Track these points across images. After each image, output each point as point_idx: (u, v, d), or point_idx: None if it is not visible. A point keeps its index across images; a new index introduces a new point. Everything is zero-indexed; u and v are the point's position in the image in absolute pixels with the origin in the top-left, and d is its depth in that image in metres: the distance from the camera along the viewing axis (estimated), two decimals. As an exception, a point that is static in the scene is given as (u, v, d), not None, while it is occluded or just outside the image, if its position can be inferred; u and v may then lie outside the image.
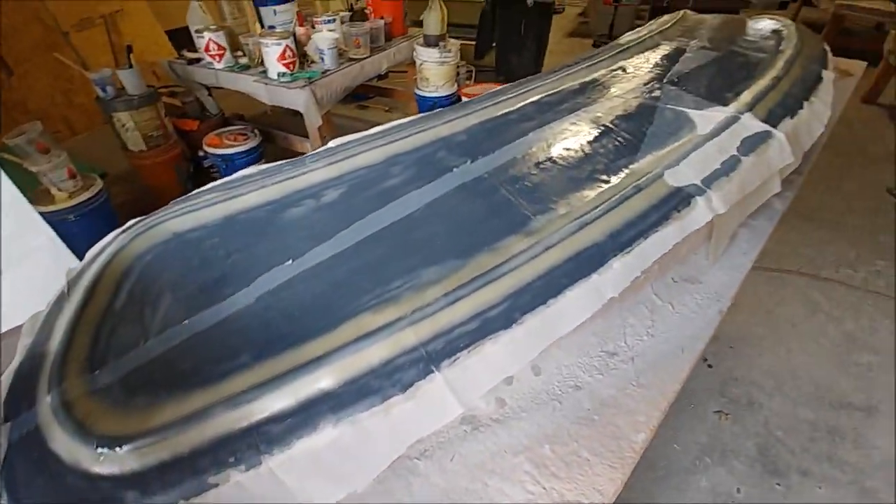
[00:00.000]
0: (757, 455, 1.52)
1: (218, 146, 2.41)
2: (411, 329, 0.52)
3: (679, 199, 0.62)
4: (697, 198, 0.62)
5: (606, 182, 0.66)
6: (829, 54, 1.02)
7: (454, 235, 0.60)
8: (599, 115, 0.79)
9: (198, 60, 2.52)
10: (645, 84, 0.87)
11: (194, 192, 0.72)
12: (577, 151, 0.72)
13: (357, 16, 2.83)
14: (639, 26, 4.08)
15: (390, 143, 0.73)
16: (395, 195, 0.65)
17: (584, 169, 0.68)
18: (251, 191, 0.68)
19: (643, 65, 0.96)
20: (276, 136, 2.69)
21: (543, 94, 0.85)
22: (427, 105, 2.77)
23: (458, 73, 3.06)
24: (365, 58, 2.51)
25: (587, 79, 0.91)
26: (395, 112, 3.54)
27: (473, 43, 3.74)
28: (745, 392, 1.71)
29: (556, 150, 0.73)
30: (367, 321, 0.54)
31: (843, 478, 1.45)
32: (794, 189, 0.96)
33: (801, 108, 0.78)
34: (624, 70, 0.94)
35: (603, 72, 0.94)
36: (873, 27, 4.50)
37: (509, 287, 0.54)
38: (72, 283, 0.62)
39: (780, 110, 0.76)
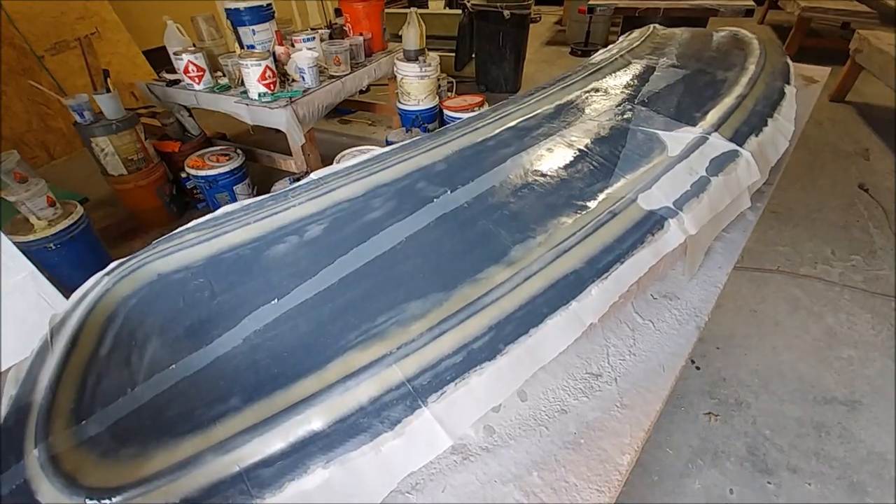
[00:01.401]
0: (747, 455, 1.55)
1: (200, 167, 2.40)
2: (397, 365, 0.53)
3: (652, 223, 0.64)
4: (670, 220, 0.65)
5: (583, 208, 0.68)
6: (792, 68, 1.06)
7: (437, 268, 0.61)
8: (574, 139, 0.82)
9: (177, 82, 2.51)
10: (617, 106, 0.90)
11: (177, 230, 0.72)
12: (553, 177, 0.74)
13: (336, 33, 2.85)
14: (613, 34, 4.18)
15: (370, 174, 0.74)
16: (378, 228, 0.66)
17: (561, 195, 0.70)
18: (234, 228, 0.69)
19: (615, 85, 0.99)
20: (259, 154, 2.68)
21: (520, 119, 0.87)
22: (409, 118, 2.80)
23: (438, 86, 3.10)
24: (345, 75, 2.53)
25: (562, 101, 0.93)
26: (379, 125, 3.56)
27: (453, 54, 3.78)
28: (733, 392, 1.75)
29: (534, 177, 0.75)
30: (354, 359, 0.54)
31: (832, 473, 1.48)
32: (765, 199, 1.00)
33: (766, 125, 0.82)
34: (597, 91, 0.97)
35: (577, 93, 0.96)
36: (840, 27, 4.67)
37: (492, 318, 0.56)
38: (55, 331, 0.62)
39: (745, 129, 0.80)
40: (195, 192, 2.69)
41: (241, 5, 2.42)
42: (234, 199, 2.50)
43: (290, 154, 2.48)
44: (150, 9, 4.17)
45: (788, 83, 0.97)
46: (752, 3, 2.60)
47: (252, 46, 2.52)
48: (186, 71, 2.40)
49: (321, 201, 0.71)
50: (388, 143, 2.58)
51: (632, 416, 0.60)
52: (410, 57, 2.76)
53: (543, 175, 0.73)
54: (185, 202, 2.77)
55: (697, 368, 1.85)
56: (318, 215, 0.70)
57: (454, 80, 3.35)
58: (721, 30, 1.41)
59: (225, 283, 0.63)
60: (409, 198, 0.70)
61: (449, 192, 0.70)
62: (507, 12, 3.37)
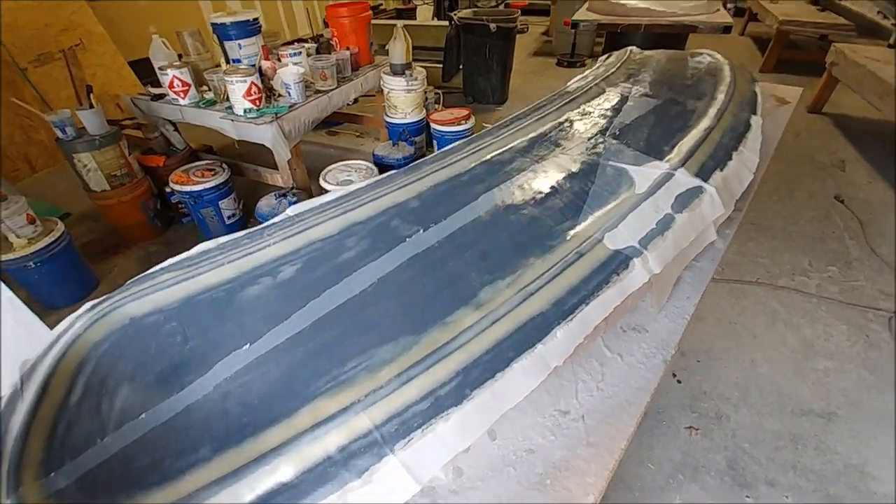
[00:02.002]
0: (727, 469, 1.58)
1: (185, 183, 2.39)
2: (365, 413, 0.54)
3: (618, 263, 0.66)
4: (635, 259, 0.67)
5: (551, 247, 0.70)
6: (759, 98, 1.10)
7: (407, 311, 0.63)
8: (546, 174, 0.84)
9: (162, 96, 2.50)
10: (589, 139, 0.92)
11: (152, 270, 0.73)
12: (524, 215, 0.76)
13: (323, 47, 2.86)
14: (598, 45, 4.21)
15: (345, 212, 0.75)
16: (350, 269, 0.67)
17: (531, 234, 0.72)
18: (209, 269, 0.69)
19: (588, 116, 1.01)
20: (245, 168, 2.68)
21: (494, 153, 0.89)
22: (396, 131, 2.82)
23: (426, 99, 3.12)
24: (332, 89, 2.54)
25: (535, 134, 0.96)
26: (366, 137, 3.57)
27: (441, 66, 3.81)
28: (713, 406, 1.78)
29: (505, 215, 0.77)
30: (323, 406, 0.55)
31: (808, 486, 1.52)
32: (734, 226, 1.03)
33: (731, 158, 0.85)
34: (570, 123, 0.99)
35: (551, 125, 0.99)
36: (818, 38, 4.79)
37: (459, 363, 0.57)
38: (25, 378, 0.62)
39: (711, 163, 0.82)
40: (180, 206, 2.68)
41: (228, 20, 2.43)
42: (219, 215, 2.49)
43: (277, 168, 2.48)
44: (136, 20, 4.15)
45: (755, 113, 1.00)
46: (730, 20, 2.66)
47: (238, 60, 2.52)
48: (171, 86, 2.40)
49: (296, 240, 0.72)
50: (375, 158, 2.60)
51: (597, 454, 0.62)
52: (397, 71, 2.78)
53: (514, 213, 0.75)
54: (170, 217, 2.75)
55: (679, 382, 1.88)
56: (292, 255, 0.70)
57: (441, 93, 3.38)
58: (696, 53, 1.44)
59: (198, 327, 0.64)
60: (383, 237, 0.71)
61: (422, 231, 0.71)
62: (493, 25, 3.40)
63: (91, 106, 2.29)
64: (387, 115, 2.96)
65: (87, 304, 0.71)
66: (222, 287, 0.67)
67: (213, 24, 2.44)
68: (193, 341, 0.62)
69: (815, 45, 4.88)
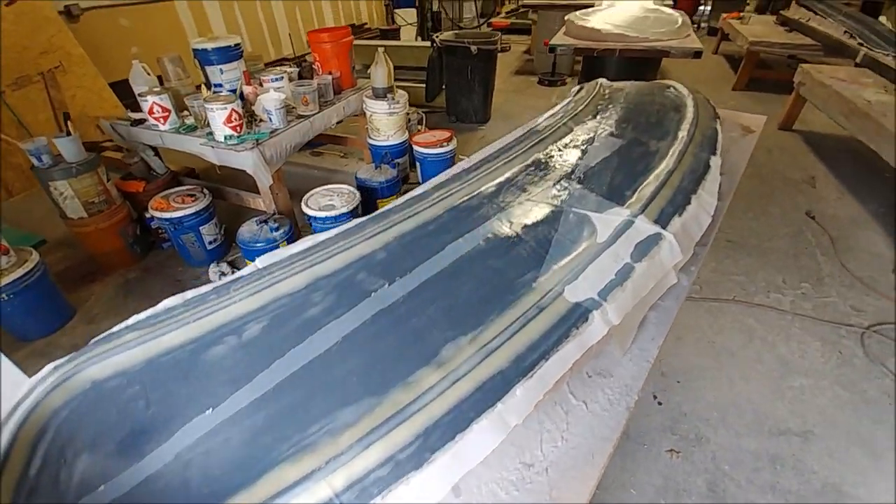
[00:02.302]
0: (707, 492, 1.60)
1: (165, 209, 2.37)
2: (326, 481, 0.54)
3: (577, 316, 0.68)
4: (594, 312, 0.69)
5: (513, 301, 0.71)
6: (720, 136, 1.14)
7: (370, 370, 0.64)
8: (511, 222, 0.86)
9: (142, 121, 2.49)
10: (554, 184, 0.95)
11: (117, 329, 0.72)
12: (487, 267, 0.78)
13: (305, 71, 2.88)
14: (578, 64, 4.27)
15: (313, 265, 0.76)
16: (315, 327, 0.68)
17: (494, 286, 0.74)
18: (173, 328, 0.69)
19: (555, 159, 1.04)
20: (227, 193, 2.67)
21: (461, 200, 0.91)
22: (379, 154, 2.84)
23: (408, 121, 3.15)
24: (314, 114, 2.56)
25: (502, 178, 0.98)
26: (350, 157, 3.58)
27: (424, 86, 3.86)
28: (693, 427, 1.80)
29: (469, 267, 0.78)
30: (285, 474, 0.56)
31: (788, 507, 1.54)
32: (699, 263, 1.06)
33: (690, 202, 0.88)
34: (537, 167, 1.02)
35: (518, 168, 1.01)
36: (787, 58, 4.97)
37: (420, 425, 0.58)
38: (-17, 448, 0.61)
39: (670, 208, 0.85)
40: (160, 231, 2.65)
41: (210, 45, 2.44)
42: (200, 240, 2.47)
43: (259, 193, 2.48)
44: (118, 41, 4.13)
45: (714, 153, 1.04)
46: (700, 45, 2.76)
47: (220, 85, 2.53)
48: (151, 112, 2.40)
49: (263, 295, 0.73)
50: (358, 181, 2.61)
51: (560, 509, 0.63)
52: (379, 95, 2.82)
53: (479, 264, 0.77)
54: (149, 242, 2.72)
55: (659, 404, 1.90)
56: (259, 311, 0.71)
57: (424, 113, 3.42)
58: (663, 86, 1.50)
59: (161, 390, 0.64)
60: (349, 292, 0.72)
61: (387, 285, 0.73)
62: (474, 48, 3.47)
63: (68, 133, 2.27)
64: (370, 138, 2.99)
65: (50, 366, 0.70)
66: (186, 347, 0.67)
67: (195, 50, 2.45)
68: (156, 406, 0.62)
69: (785, 65, 5.06)
